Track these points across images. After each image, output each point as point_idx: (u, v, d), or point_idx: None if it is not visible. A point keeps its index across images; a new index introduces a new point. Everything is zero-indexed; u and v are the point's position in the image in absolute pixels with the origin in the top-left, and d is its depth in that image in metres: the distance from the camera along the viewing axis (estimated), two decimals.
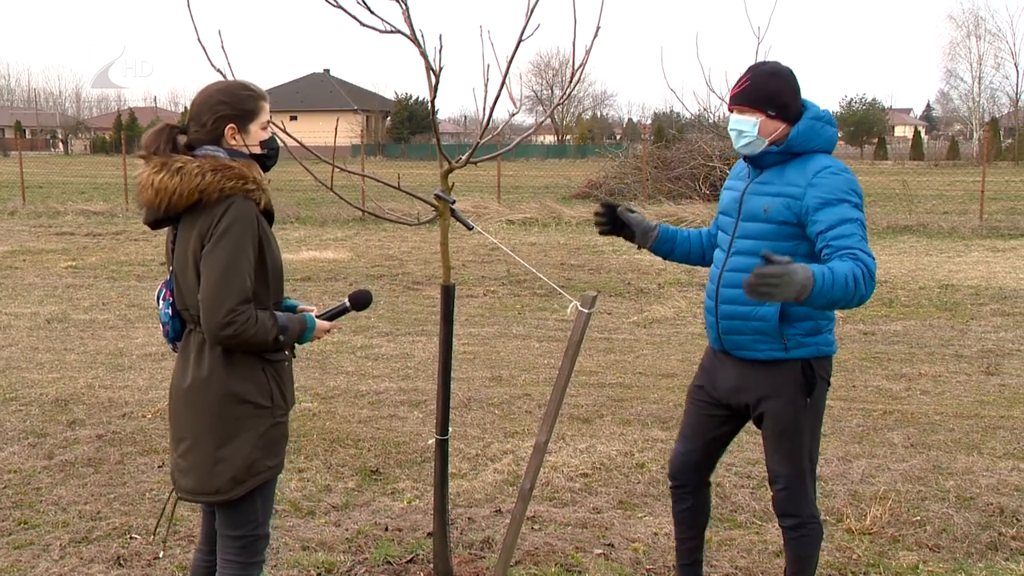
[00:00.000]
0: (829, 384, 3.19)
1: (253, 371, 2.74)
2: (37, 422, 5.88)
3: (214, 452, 2.73)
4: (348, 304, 3.09)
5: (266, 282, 2.75)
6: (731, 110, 3.12)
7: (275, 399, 2.80)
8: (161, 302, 2.83)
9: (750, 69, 3.10)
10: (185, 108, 78.63)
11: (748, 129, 3.07)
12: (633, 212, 3.46)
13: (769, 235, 3.06)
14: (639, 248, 3.49)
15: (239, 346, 2.67)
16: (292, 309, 2.95)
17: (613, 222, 3.44)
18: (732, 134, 3.12)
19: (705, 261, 3.48)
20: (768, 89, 3.06)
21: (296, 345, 2.88)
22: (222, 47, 3.14)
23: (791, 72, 3.10)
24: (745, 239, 3.11)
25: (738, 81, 3.10)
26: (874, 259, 2.82)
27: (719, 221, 3.31)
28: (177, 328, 2.83)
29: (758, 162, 3.14)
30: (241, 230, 2.63)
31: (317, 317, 2.93)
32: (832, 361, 3.21)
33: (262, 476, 2.79)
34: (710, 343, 3.33)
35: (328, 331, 2.96)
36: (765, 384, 3.12)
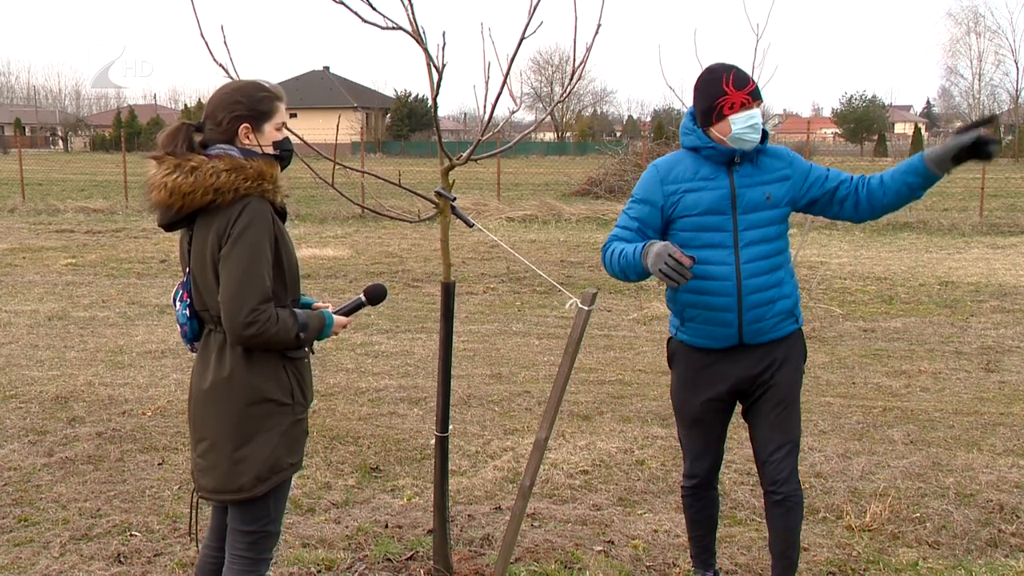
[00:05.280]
0: None
1: (275, 369, 2.75)
2: (37, 419, 5.89)
3: (236, 451, 2.72)
4: (364, 299, 3.10)
5: (283, 280, 2.75)
6: (751, 105, 3.11)
7: (296, 396, 2.81)
8: (178, 303, 2.81)
9: (737, 68, 3.15)
10: (185, 105, 78.64)
11: (760, 121, 3.16)
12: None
13: (775, 219, 3.24)
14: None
15: (262, 345, 2.67)
16: (307, 306, 2.96)
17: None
18: (748, 129, 3.11)
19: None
20: None
21: (315, 342, 2.89)
22: (224, 42, 3.14)
23: None
24: (753, 229, 3.20)
25: (746, 78, 3.13)
26: None
27: (702, 221, 3.18)
28: (195, 329, 2.82)
29: (745, 155, 3.19)
30: (258, 230, 2.63)
31: (334, 313, 2.94)
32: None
33: (284, 474, 2.80)
34: (708, 345, 3.29)
35: (345, 326, 2.97)
36: (779, 357, 3.30)
